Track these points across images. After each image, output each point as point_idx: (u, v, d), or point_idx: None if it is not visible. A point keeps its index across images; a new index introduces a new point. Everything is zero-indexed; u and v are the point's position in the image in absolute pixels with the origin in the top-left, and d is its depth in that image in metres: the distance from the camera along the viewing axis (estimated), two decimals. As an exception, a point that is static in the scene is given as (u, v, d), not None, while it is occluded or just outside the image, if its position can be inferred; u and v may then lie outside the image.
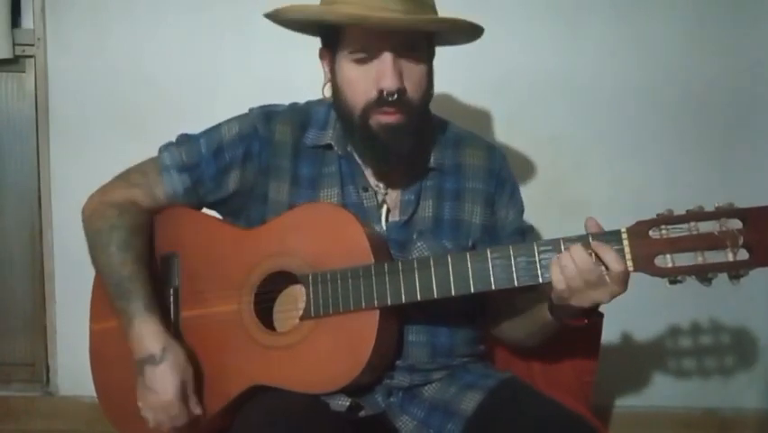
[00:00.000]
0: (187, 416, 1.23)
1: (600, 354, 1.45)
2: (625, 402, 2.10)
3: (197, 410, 1.24)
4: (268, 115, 1.35)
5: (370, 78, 1.22)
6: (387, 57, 1.20)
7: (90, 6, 2.03)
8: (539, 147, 2.00)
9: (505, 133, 1.97)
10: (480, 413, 1.22)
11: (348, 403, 1.21)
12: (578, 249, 1.10)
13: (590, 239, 1.11)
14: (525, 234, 1.39)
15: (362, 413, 1.23)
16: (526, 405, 1.21)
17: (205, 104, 1.74)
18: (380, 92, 1.20)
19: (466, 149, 1.38)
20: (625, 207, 2.00)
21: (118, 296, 1.26)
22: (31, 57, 2.06)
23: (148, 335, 1.23)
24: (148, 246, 1.33)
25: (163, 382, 1.21)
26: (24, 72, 2.08)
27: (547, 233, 1.95)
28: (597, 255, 1.09)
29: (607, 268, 1.09)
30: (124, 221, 1.30)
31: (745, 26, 1.98)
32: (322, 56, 1.32)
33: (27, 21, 2.06)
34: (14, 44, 2.02)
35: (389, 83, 1.20)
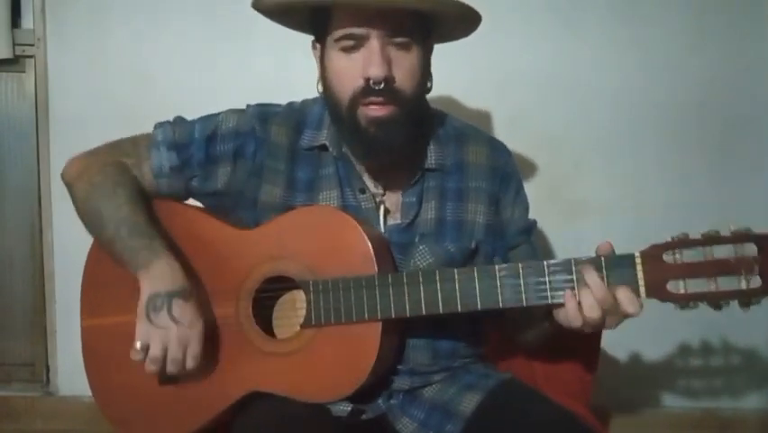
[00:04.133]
0: (196, 358, 1.18)
1: (600, 355, 1.45)
2: (625, 402, 2.10)
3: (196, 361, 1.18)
4: (264, 114, 1.31)
5: (356, 67, 1.17)
6: (374, 44, 1.16)
7: (90, 6, 2.03)
8: (539, 147, 2.00)
9: (505, 134, 1.96)
10: (480, 414, 1.22)
11: (349, 409, 1.20)
12: (599, 288, 1.07)
13: (603, 263, 1.09)
14: (531, 231, 1.37)
15: (364, 416, 1.22)
16: (526, 406, 1.20)
17: (204, 104, 1.73)
18: (367, 80, 1.16)
19: (469, 146, 1.34)
20: (624, 207, 2.01)
21: (133, 238, 1.20)
22: (31, 57, 2.06)
23: (178, 270, 1.19)
24: (152, 214, 1.28)
25: (193, 315, 1.17)
26: (24, 72, 2.08)
27: (547, 232, 1.96)
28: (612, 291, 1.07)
29: (618, 305, 1.07)
30: (127, 179, 1.27)
31: (745, 26, 1.98)
32: (313, 49, 1.29)
33: (27, 21, 2.06)
34: (14, 44, 2.02)
35: (376, 71, 1.15)
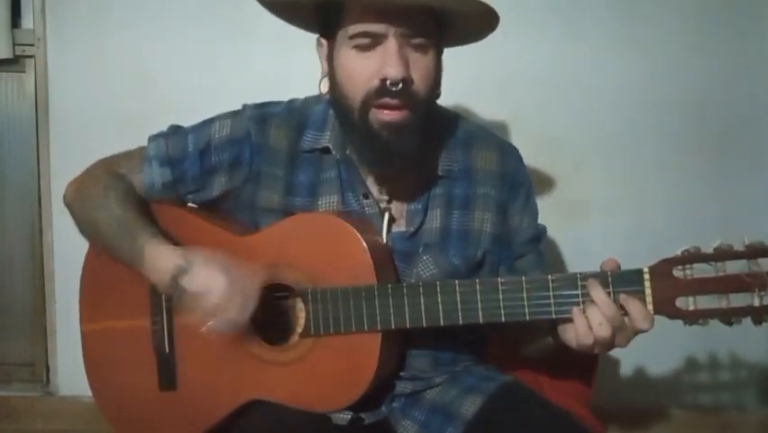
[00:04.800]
0: (253, 294, 1.12)
1: (601, 355, 1.45)
2: (625, 402, 2.09)
3: (253, 283, 1.12)
4: (262, 117, 1.26)
5: (372, 67, 1.11)
6: (391, 43, 1.09)
7: (90, 6, 2.02)
8: (539, 148, 1.98)
9: (505, 134, 1.97)
10: (481, 417, 1.20)
11: (349, 417, 1.18)
12: (608, 306, 1.04)
13: (610, 278, 1.05)
14: (539, 240, 1.33)
15: (364, 421, 1.21)
16: (526, 409, 1.19)
17: (204, 104, 1.73)
18: (383, 81, 1.09)
19: (478, 150, 1.28)
20: (624, 208, 2.01)
21: (124, 235, 1.19)
22: (31, 57, 2.06)
23: (163, 253, 1.15)
24: (145, 206, 1.26)
25: (208, 278, 1.11)
26: (24, 72, 2.08)
27: (548, 233, 1.95)
28: (621, 306, 1.04)
29: (631, 319, 1.04)
30: (118, 183, 1.25)
31: (745, 26, 1.98)
32: (319, 46, 1.21)
33: (27, 21, 2.06)
34: (14, 44, 2.02)
35: (394, 71, 1.08)
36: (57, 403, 2.15)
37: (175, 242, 1.22)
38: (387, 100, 1.11)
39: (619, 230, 1.95)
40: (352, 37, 1.12)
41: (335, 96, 1.18)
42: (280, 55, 1.94)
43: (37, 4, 2.02)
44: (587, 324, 1.05)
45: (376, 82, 1.11)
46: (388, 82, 1.09)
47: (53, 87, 2.06)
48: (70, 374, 2.12)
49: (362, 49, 1.12)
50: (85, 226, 1.28)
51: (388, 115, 1.12)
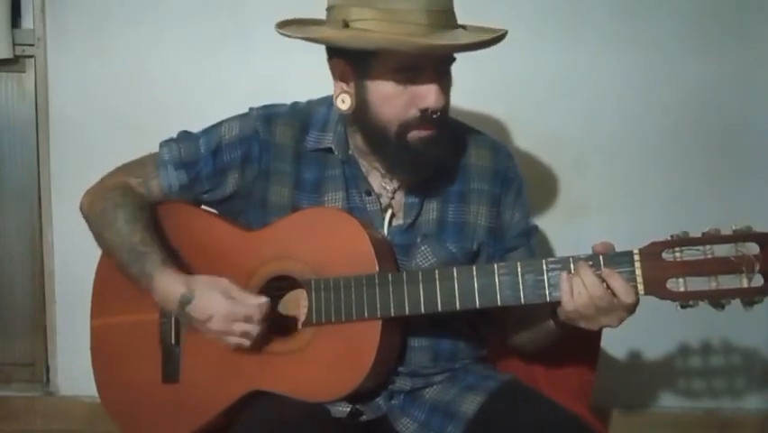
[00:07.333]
0: (255, 310, 1.19)
1: (600, 355, 1.45)
2: (625, 402, 2.10)
3: (257, 300, 1.20)
4: (268, 116, 1.33)
5: (410, 96, 1.18)
6: (432, 76, 1.18)
7: (90, 6, 2.02)
8: (539, 148, 2.00)
9: (505, 134, 1.97)
10: (481, 416, 1.22)
11: (348, 409, 1.20)
12: (589, 275, 1.08)
13: (601, 260, 1.09)
14: (531, 235, 1.37)
15: (363, 417, 1.22)
16: (528, 408, 1.21)
17: (205, 105, 1.75)
18: (424, 111, 1.18)
19: (471, 149, 1.35)
20: (624, 208, 2.01)
21: (133, 261, 1.26)
22: (31, 57, 2.05)
23: (170, 283, 1.22)
24: (153, 221, 1.32)
25: (208, 306, 1.20)
26: (24, 72, 2.07)
27: (547, 233, 1.96)
28: (605, 282, 1.08)
29: (616, 296, 1.07)
30: (128, 199, 1.31)
31: (745, 26, 1.98)
32: (334, 68, 1.24)
33: (27, 21, 2.05)
34: (14, 44, 2.02)
35: (437, 102, 1.18)
36: (57, 403, 2.15)
37: (183, 248, 1.30)
38: (427, 125, 1.20)
39: (619, 230, 1.94)
40: (393, 70, 1.17)
41: (366, 117, 1.22)
42: (280, 57, 1.94)
43: (37, 4, 2.02)
44: (569, 291, 1.09)
45: (415, 111, 1.19)
46: (429, 111, 1.18)
47: (53, 87, 2.06)
48: (70, 374, 2.13)
49: (401, 81, 1.18)
50: (100, 243, 1.34)
51: (425, 132, 1.21)
